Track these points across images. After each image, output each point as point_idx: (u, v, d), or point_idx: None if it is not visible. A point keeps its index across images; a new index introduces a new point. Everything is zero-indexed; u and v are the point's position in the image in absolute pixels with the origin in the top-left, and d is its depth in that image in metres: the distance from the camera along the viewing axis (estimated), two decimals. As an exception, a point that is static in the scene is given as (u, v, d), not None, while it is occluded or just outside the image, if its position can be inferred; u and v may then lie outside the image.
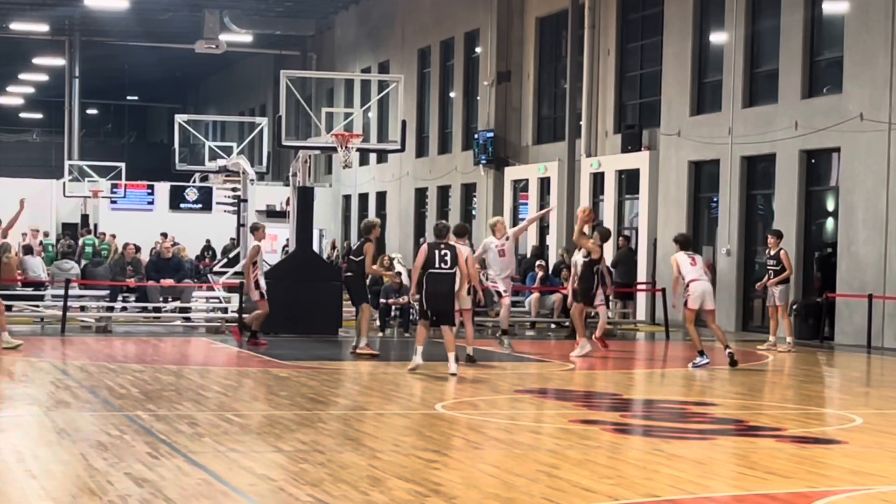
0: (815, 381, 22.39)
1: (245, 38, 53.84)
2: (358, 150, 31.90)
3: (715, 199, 33.38)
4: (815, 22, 30.11)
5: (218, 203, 41.07)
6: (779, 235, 25.78)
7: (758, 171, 31.88)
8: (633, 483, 11.36)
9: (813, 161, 30.30)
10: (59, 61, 62.08)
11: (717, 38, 33.45)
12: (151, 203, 54.49)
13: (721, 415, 16.28)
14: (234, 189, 37.68)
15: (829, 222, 30.02)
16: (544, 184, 40.11)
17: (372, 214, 50.69)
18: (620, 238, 34.19)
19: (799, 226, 30.18)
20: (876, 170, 27.60)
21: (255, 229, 20.34)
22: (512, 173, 42.08)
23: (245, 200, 34.80)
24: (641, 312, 33.69)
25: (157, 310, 30.91)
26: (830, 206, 30.11)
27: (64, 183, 53.76)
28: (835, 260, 29.08)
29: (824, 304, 29.06)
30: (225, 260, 36.36)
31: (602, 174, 37.36)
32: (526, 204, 41.64)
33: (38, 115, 79.52)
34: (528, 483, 11.19)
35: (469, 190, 45.32)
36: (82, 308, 30.25)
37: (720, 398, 17.69)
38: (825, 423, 16.17)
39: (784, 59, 30.61)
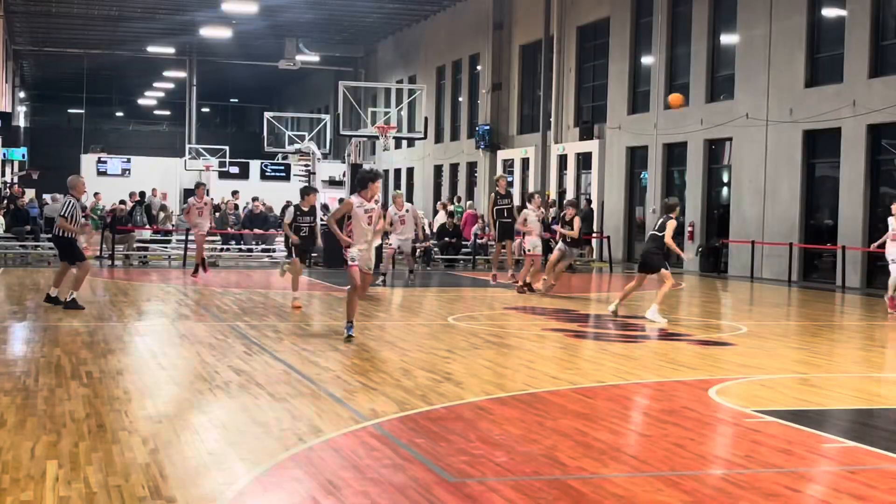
0: (714, 302, 22.37)
1: (314, 58, 53.77)
2: (394, 138, 31.97)
3: (644, 174, 33.30)
4: (715, 49, 30.02)
5: (294, 175, 41.05)
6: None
7: (675, 154, 31.77)
8: (586, 373, 11.38)
9: (713, 147, 30.19)
10: (181, 74, 62.11)
11: (646, 60, 33.23)
12: (247, 175, 54.69)
13: (647, 325, 16.29)
14: (306, 165, 37.77)
15: (724, 190, 29.92)
16: (525, 163, 40.13)
17: (403, 186, 50.87)
18: (583, 201, 34.33)
19: (703, 193, 30.26)
20: (756, 153, 27.55)
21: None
22: (502, 155, 42.02)
23: (314, 173, 35.01)
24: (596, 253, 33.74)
25: (250, 251, 31.15)
26: (725, 179, 30.04)
27: (185, 161, 53.89)
28: (728, 216, 29.09)
29: (721, 248, 29.11)
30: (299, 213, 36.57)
31: (566, 156, 37.27)
32: (512, 174, 41.68)
33: (167, 112, 79.57)
34: (512, 372, 11.22)
35: (472, 167, 45.40)
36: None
37: (639, 313, 17.69)
38: (721, 331, 16.16)
39: (693, 76, 30.50)
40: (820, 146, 26.29)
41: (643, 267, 16.68)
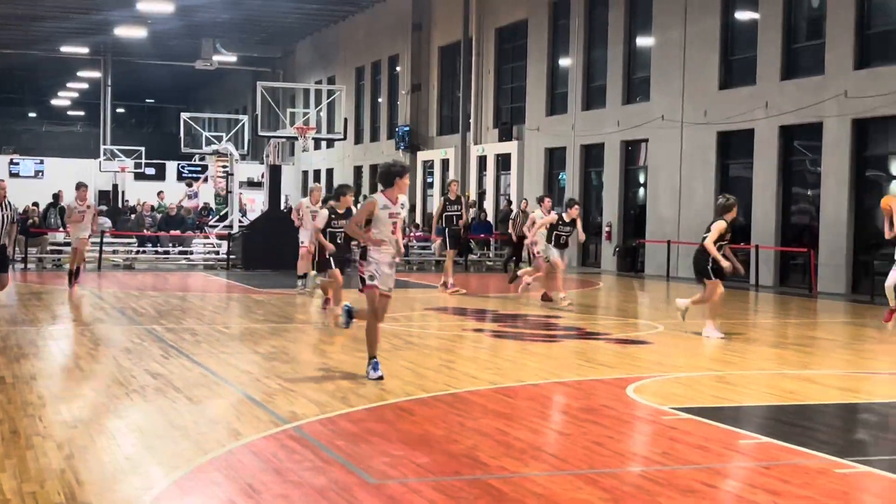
0: (631, 301, 22.61)
1: (231, 58, 53.33)
2: (313, 139, 31.76)
3: (563, 175, 33.54)
4: (631, 51, 30.35)
5: (212, 176, 40.64)
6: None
7: (592, 156, 32.03)
8: (507, 372, 11.42)
9: (630, 148, 30.51)
10: (96, 74, 60.99)
11: (564, 62, 33.48)
12: (164, 176, 53.94)
13: (566, 324, 16.39)
14: (223, 166, 37.39)
15: (641, 191, 30.25)
16: (445, 164, 40.22)
17: (323, 186, 50.69)
18: (503, 202, 34.52)
19: (620, 194, 30.60)
20: (672, 154, 27.91)
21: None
22: (422, 156, 42.07)
23: (232, 174, 34.63)
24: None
25: (167, 253, 30.79)
26: (641, 180, 30.37)
27: (100, 162, 52.93)
28: (644, 216, 29.41)
29: (637, 247, 29.42)
30: (218, 216, 36.12)
31: (485, 157, 37.45)
32: (432, 175, 41.73)
33: (81, 113, 77.98)
34: (433, 373, 11.21)
35: (391, 168, 45.41)
36: (114, 251, 30.02)
37: (565, 312, 17.80)
38: (638, 330, 16.31)
39: (610, 78, 30.80)
40: (734, 147, 26.70)
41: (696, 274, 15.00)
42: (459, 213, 21.76)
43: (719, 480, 7.02)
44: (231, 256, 28.92)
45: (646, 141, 29.41)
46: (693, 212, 27.02)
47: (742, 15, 26.74)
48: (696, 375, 11.37)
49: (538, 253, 19.49)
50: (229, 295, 21.10)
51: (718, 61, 26.65)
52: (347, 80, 48.29)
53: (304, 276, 20.65)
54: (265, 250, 27.29)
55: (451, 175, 38.64)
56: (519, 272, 20.56)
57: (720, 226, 14.18)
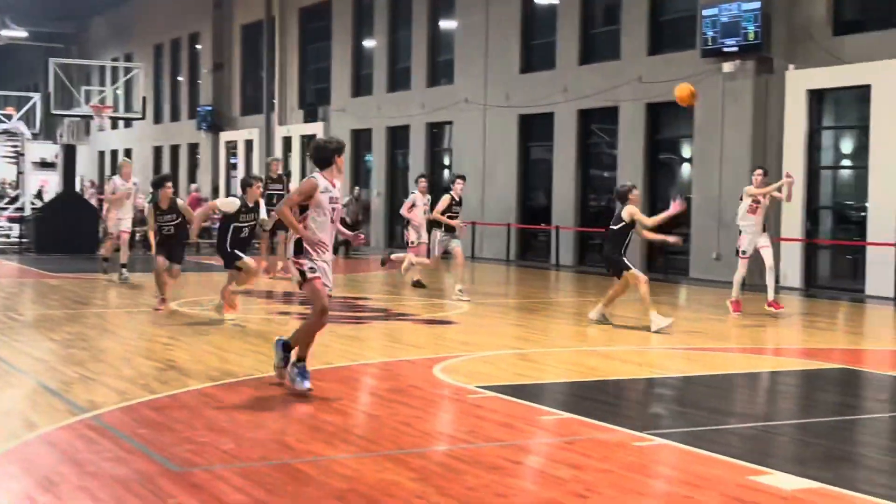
0: (436, 282, 22.84)
1: (21, 33, 51.23)
2: (110, 118, 30.89)
3: (369, 157, 33.63)
4: (434, 34, 30.68)
5: (2, 156, 38.88)
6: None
7: (398, 138, 32.22)
8: (315, 354, 11.33)
9: (435, 131, 30.84)
10: None
11: (368, 43, 33.58)
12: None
13: (374, 306, 16.46)
14: (14, 146, 35.87)
15: (446, 172, 30.56)
16: (249, 145, 39.80)
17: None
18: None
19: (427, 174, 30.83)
20: (476, 137, 28.34)
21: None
22: (225, 137, 41.54)
23: (23, 154, 33.33)
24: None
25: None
26: (446, 162, 30.72)
27: None
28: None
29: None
30: (7, 199, 34.65)
31: (290, 138, 37.19)
32: (235, 156, 41.18)
33: None
34: (239, 357, 11.07)
35: (193, 148, 44.63)
36: None
37: (374, 294, 17.88)
38: (444, 310, 16.48)
39: (414, 60, 31.02)
40: (535, 130, 27.30)
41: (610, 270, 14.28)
42: (282, 191, 19.70)
43: (523, 456, 7.19)
44: (23, 240, 27.88)
45: (450, 123, 29.75)
46: (496, 193, 27.53)
47: (542, 0, 27.33)
48: (500, 353, 11.61)
49: (413, 242, 18.66)
50: (22, 280, 20.28)
51: (519, 46, 27.18)
52: (146, 57, 47.18)
53: (107, 259, 20.10)
54: (60, 233, 26.45)
55: (255, 156, 38.29)
56: (393, 256, 19.33)
57: (631, 210, 13.45)
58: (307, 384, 8.79)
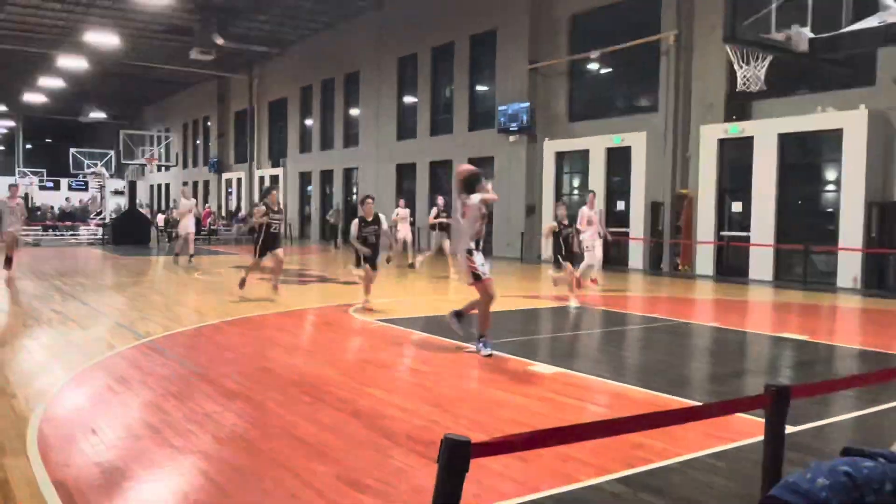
0: (352, 257, 22.23)
1: (102, 115, 48.21)
2: (156, 165, 29.79)
3: (309, 188, 32.77)
4: (347, 118, 29.72)
5: (94, 188, 36.94)
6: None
7: (326, 177, 31.46)
8: (278, 303, 10.92)
9: (348, 173, 30.18)
10: (11, 123, 53.87)
11: (308, 122, 32.51)
12: (59, 188, 48.88)
13: (313, 274, 16.09)
14: (99, 182, 34.05)
15: (354, 197, 29.65)
16: (239, 181, 38.36)
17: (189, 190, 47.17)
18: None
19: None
20: (371, 179, 27.69)
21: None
22: (225, 176, 39.90)
23: (104, 186, 32.38)
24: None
25: (62, 235, 28.07)
26: (355, 190, 30.10)
27: (16, 178, 46.55)
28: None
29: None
30: (96, 213, 32.94)
31: (263, 177, 35.90)
32: (231, 188, 39.84)
33: (2, 147, 67.38)
34: (218, 308, 10.74)
35: (206, 184, 42.85)
36: (27, 235, 26.79)
37: (315, 266, 17.52)
38: (354, 276, 16.14)
39: (335, 132, 30.07)
40: (406, 175, 26.48)
41: None
42: (280, 220, 17.69)
43: (402, 358, 7.17)
44: (105, 237, 26.86)
45: (356, 169, 29.12)
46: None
47: (409, 99, 26.40)
48: (388, 301, 11.42)
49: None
50: (104, 261, 19.36)
51: (395, 124, 26.50)
52: (178, 130, 45.33)
53: (178, 253, 17.91)
54: (126, 233, 25.82)
55: (240, 189, 37.13)
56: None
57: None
58: (486, 351, 7.09)
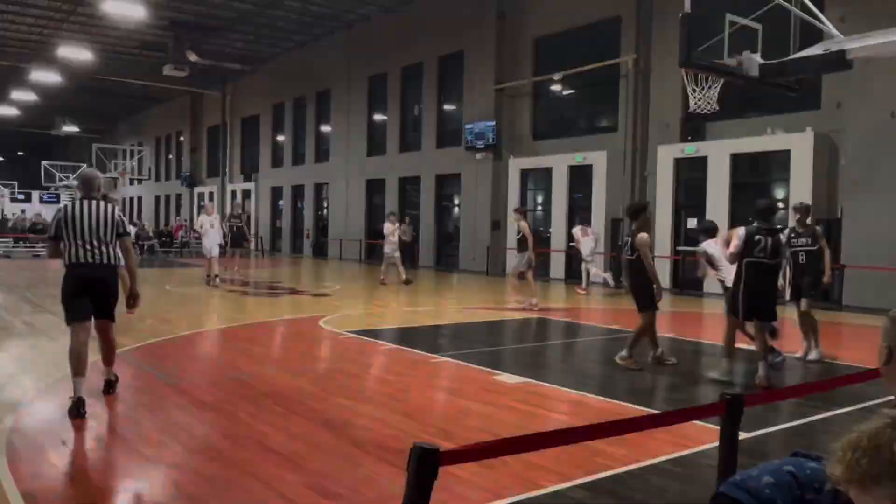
0: (322, 270, 22.27)
1: (75, 129, 46.86)
2: (129, 178, 29.08)
3: (280, 203, 32.46)
4: (318, 134, 29.58)
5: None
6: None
7: (298, 192, 31.17)
8: (250, 315, 10.98)
9: (318, 188, 29.99)
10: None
11: (280, 137, 32.20)
12: (30, 200, 47.58)
13: (285, 286, 16.04)
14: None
15: (325, 212, 29.69)
16: (211, 195, 37.40)
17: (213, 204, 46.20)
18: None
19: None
20: (342, 193, 27.52)
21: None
22: (197, 190, 39.13)
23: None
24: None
25: (33, 247, 27.20)
26: (325, 205, 29.94)
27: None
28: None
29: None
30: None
31: (235, 191, 35.35)
32: (203, 202, 39.30)
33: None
34: (182, 320, 10.59)
35: (178, 197, 42.02)
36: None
37: (286, 279, 17.34)
38: (324, 288, 15.95)
39: (307, 148, 29.90)
40: (375, 189, 26.26)
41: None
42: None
43: (368, 368, 7.18)
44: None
45: (327, 184, 28.92)
46: (354, 227, 26.97)
47: (378, 117, 26.27)
48: (357, 313, 11.52)
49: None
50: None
51: (366, 141, 26.37)
52: (150, 144, 44.51)
53: (209, 275, 15.45)
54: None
55: (215, 202, 36.64)
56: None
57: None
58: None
